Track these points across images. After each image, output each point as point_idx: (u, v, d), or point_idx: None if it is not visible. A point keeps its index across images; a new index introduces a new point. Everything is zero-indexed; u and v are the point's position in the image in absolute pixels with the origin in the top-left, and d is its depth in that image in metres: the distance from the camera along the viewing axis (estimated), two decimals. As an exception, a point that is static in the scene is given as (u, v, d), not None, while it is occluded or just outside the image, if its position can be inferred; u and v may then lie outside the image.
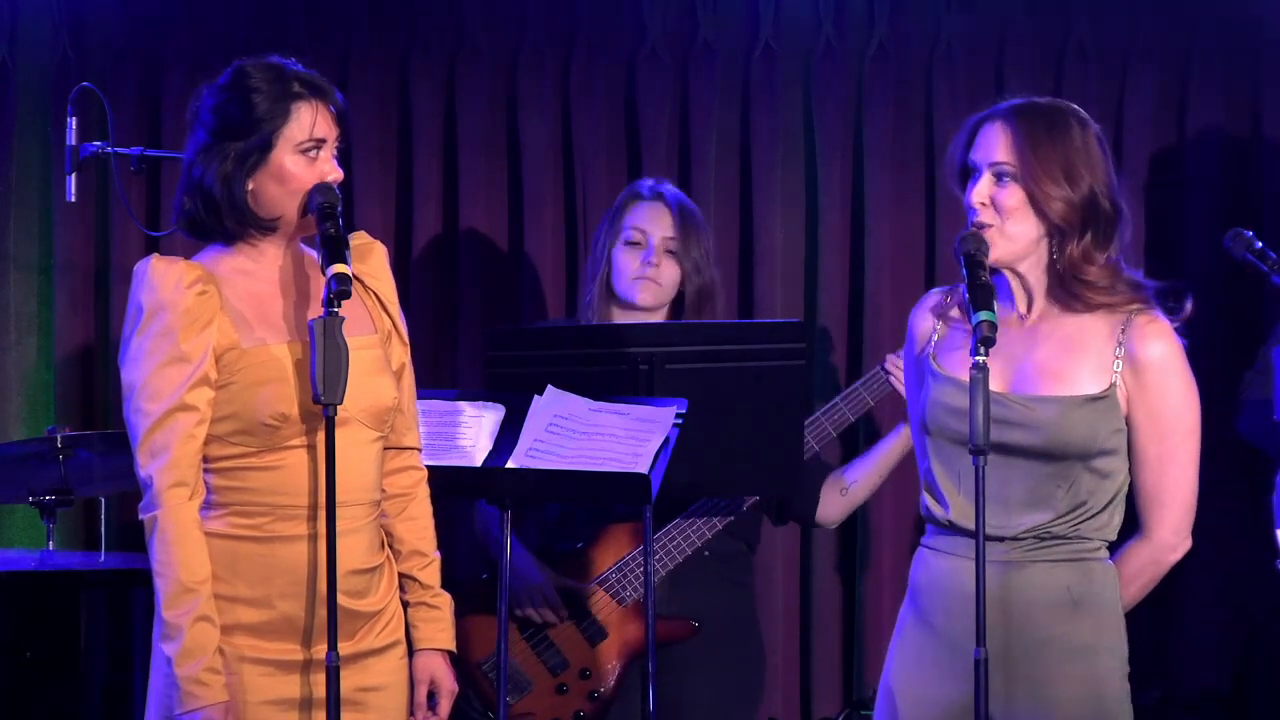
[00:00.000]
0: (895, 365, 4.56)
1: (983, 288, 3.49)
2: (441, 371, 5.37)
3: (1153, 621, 5.04)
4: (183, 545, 3.37)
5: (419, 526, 3.66)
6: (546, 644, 4.58)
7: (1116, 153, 5.21)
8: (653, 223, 4.66)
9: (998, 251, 3.62)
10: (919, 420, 3.74)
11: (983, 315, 3.43)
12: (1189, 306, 3.69)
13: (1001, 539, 3.59)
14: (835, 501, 4.74)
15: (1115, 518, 3.67)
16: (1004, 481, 3.54)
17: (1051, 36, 5.36)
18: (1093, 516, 3.63)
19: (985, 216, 3.63)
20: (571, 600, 4.57)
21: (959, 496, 3.66)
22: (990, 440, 3.51)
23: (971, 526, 3.61)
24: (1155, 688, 5.16)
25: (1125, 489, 3.67)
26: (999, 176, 3.64)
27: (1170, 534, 3.67)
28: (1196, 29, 5.33)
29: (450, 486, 3.84)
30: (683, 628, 4.52)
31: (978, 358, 3.41)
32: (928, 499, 3.72)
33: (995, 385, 3.54)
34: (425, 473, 3.69)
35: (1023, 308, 3.70)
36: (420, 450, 3.69)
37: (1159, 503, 3.66)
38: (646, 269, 4.62)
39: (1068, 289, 3.64)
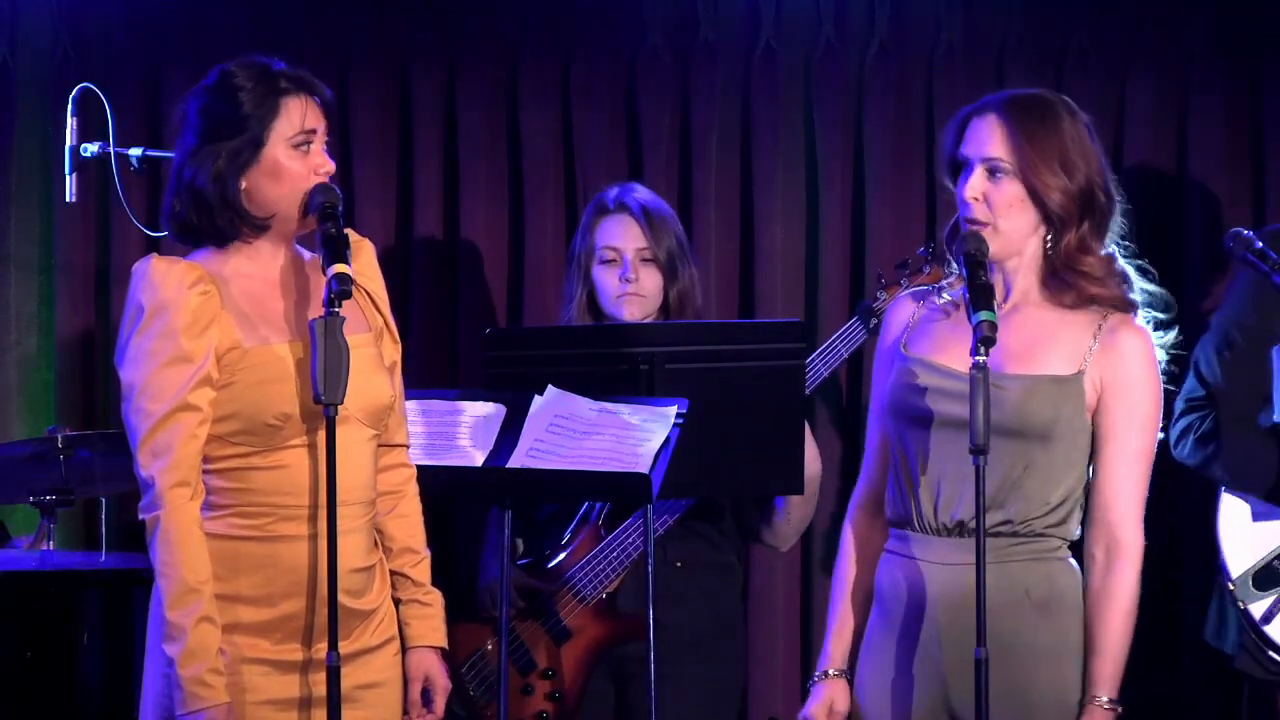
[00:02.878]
0: None
1: (983, 288, 3.49)
2: (441, 371, 5.36)
3: (1148, 622, 5.03)
4: (185, 546, 3.37)
5: (410, 524, 3.66)
6: (515, 645, 4.58)
7: (1116, 153, 5.24)
8: (623, 238, 4.68)
9: (992, 248, 3.62)
10: (886, 408, 3.70)
11: (983, 315, 3.42)
12: (1174, 336, 3.68)
13: (957, 533, 3.57)
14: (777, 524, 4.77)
15: (1075, 515, 3.63)
16: (964, 459, 3.46)
17: (1051, 37, 5.36)
18: (1049, 511, 3.59)
19: (978, 212, 3.62)
20: (537, 601, 4.58)
21: (925, 478, 3.62)
22: (952, 418, 3.51)
23: (936, 516, 3.61)
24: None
25: (1081, 488, 3.64)
26: (993, 172, 3.62)
27: (1139, 537, 3.63)
28: (1196, 29, 5.33)
29: (450, 486, 3.84)
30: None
31: (978, 358, 3.40)
32: (886, 499, 3.70)
33: (961, 365, 3.52)
34: (414, 470, 3.70)
35: (999, 296, 3.68)
36: (409, 447, 3.69)
37: (1128, 503, 3.62)
38: (626, 285, 4.66)
39: (1062, 279, 3.63)
